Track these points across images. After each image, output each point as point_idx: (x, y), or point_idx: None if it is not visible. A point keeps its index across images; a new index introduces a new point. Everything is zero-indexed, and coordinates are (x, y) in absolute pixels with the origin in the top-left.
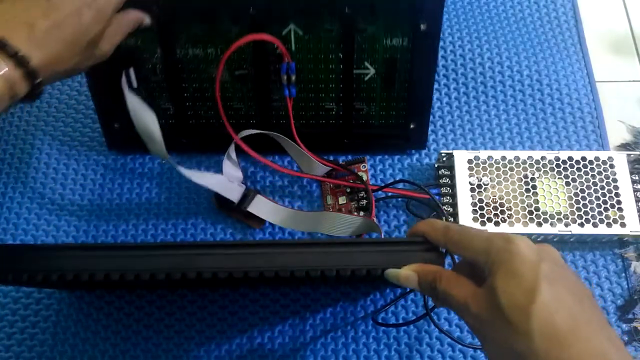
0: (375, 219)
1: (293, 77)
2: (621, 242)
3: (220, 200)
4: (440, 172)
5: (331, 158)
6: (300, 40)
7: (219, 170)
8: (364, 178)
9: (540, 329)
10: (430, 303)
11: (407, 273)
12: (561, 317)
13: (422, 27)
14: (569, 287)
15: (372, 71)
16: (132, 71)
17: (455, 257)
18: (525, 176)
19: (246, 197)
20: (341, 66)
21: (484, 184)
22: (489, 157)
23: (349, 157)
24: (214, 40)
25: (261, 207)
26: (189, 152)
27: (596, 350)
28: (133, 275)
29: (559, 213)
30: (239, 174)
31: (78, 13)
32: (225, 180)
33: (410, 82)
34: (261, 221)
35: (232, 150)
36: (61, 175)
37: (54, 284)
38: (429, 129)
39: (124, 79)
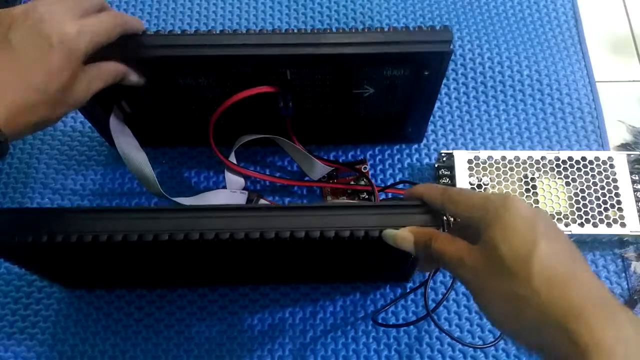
0: None
1: (290, 103)
2: (621, 242)
3: None
4: (440, 172)
5: (330, 147)
6: (296, 73)
7: (220, 162)
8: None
9: (540, 273)
10: (431, 303)
11: (403, 234)
12: (560, 264)
13: (426, 73)
14: (564, 244)
15: (371, 90)
16: (124, 103)
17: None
18: (525, 176)
19: (250, 203)
20: (339, 89)
21: (484, 184)
22: (489, 157)
23: (349, 147)
24: (205, 74)
25: None
26: (189, 145)
27: (596, 293)
28: (136, 236)
29: (559, 213)
30: (240, 180)
31: (45, 57)
32: (228, 192)
33: (411, 103)
34: None
35: (232, 158)
36: (60, 183)
37: (55, 265)
38: (430, 129)
39: (112, 119)
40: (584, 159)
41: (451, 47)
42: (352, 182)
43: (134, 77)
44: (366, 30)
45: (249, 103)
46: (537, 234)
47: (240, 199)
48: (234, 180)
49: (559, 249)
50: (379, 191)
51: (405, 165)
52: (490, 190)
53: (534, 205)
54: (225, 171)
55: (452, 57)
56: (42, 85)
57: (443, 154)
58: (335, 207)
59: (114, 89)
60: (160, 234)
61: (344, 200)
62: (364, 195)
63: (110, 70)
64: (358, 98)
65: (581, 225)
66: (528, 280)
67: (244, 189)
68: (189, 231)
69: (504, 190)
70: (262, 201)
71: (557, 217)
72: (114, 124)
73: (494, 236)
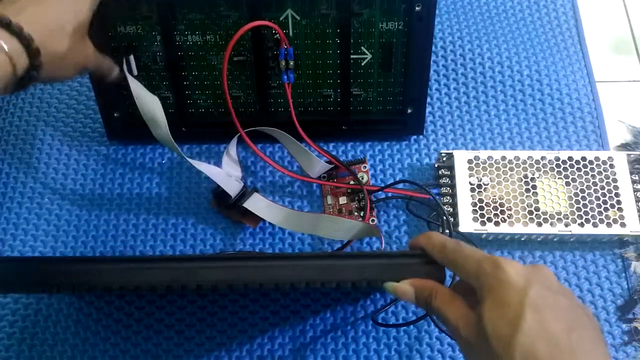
0: (375, 219)
1: (291, 63)
2: (621, 242)
3: (218, 199)
4: (440, 172)
5: (330, 147)
6: (298, 25)
7: (219, 163)
8: (365, 178)
9: (523, 355)
10: None
11: (403, 287)
12: (543, 348)
13: (417, 8)
14: (558, 313)
15: (369, 56)
16: (132, 59)
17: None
18: (525, 176)
19: (244, 194)
20: (338, 51)
21: (484, 184)
22: (489, 157)
23: (348, 147)
24: (213, 27)
25: (258, 204)
26: (189, 141)
27: None
28: (133, 287)
29: (559, 213)
30: (237, 173)
31: (60, 2)
32: (224, 174)
33: (407, 67)
34: (257, 220)
35: (232, 147)
36: (61, 176)
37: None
38: (430, 129)
39: (125, 65)
40: (584, 159)
41: None
42: (351, 182)
43: (115, 73)
44: None
45: (254, 63)
46: (525, 306)
47: (234, 186)
48: (230, 171)
49: (548, 322)
50: (377, 191)
51: (406, 165)
52: (491, 190)
53: (534, 206)
54: (223, 157)
55: (452, 56)
56: (61, 21)
57: (443, 154)
58: (337, 257)
59: (125, 41)
60: (157, 286)
61: (344, 199)
62: (362, 194)
63: (107, 60)
64: (356, 67)
65: (581, 225)
66: None
67: (241, 180)
68: (186, 283)
69: (504, 190)
70: (257, 194)
71: (557, 217)
72: (126, 69)
73: (484, 312)
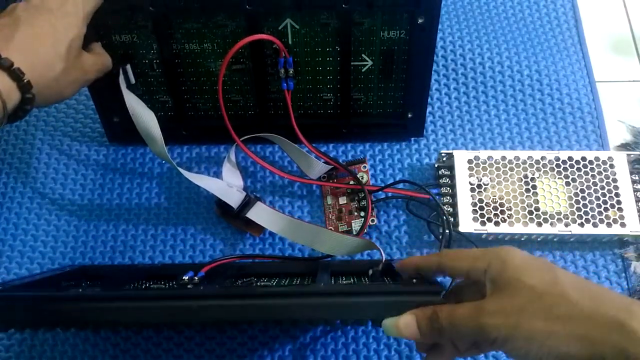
0: (375, 219)
1: (291, 71)
2: (621, 242)
3: (221, 208)
4: (440, 172)
5: (330, 147)
6: (297, 34)
7: (219, 163)
8: (365, 178)
9: (574, 289)
10: None
11: (405, 319)
12: (585, 282)
13: (420, 20)
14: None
15: (369, 63)
16: (129, 68)
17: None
18: (525, 176)
19: (246, 204)
20: (338, 58)
21: (484, 184)
22: (489, 157)
23: (348, 147)
24: (210, 36)
25: (261, 214)
26: (189, 143)
27: (625, 300)
28: (124, 324)
29: (559, 213)
30: (239, 182)
31: (50, 21)
32: (225, 185)
33: (408, 74)
34: (260, 229)
35: (231, 154)
36: (61, 175)
37: None
38: (430, 129)
39: (121, 77)
40: (584, 159)
41: None
42: (351, 182)
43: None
44: None
45: (253, 71)
46: (550, 264)
47: (236, 197)
48: (231, 180)
49: (572, 274)
50: (377, 191)
51: (406, 165)
52: (491, 190)
53: (534, 206)
54: (224, 165)
55: (452, 56)
56: (52, 43)
57: (443, 154)
58: (336, 294)
59: (121, 50)
60: (158, 324)
61: (344, 200)
62: (362, 194)
63: (106, 57)
64: (356, 74)
65: (581, 225)
66: (565, 297)
67: (243, 189)
68: (187, 321)
69: (504, 190)
70: (260, 204)
71: (557, 217)
72: (122, 80)
73: (513, 274)
